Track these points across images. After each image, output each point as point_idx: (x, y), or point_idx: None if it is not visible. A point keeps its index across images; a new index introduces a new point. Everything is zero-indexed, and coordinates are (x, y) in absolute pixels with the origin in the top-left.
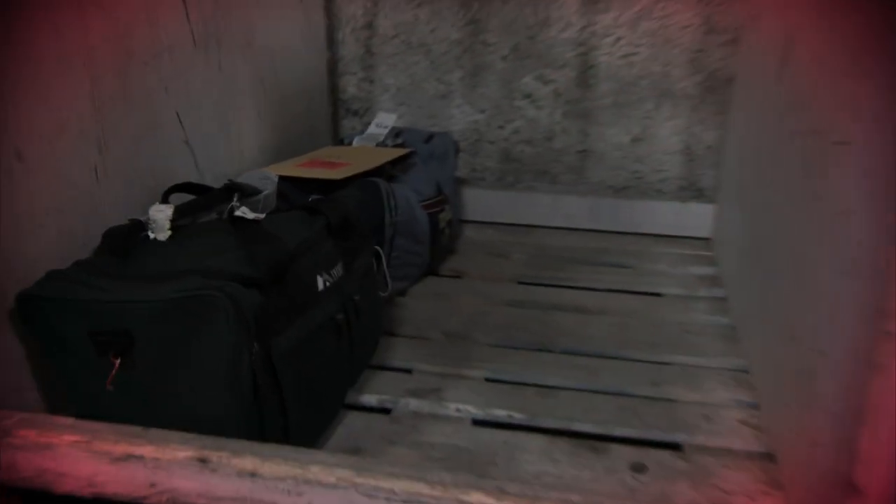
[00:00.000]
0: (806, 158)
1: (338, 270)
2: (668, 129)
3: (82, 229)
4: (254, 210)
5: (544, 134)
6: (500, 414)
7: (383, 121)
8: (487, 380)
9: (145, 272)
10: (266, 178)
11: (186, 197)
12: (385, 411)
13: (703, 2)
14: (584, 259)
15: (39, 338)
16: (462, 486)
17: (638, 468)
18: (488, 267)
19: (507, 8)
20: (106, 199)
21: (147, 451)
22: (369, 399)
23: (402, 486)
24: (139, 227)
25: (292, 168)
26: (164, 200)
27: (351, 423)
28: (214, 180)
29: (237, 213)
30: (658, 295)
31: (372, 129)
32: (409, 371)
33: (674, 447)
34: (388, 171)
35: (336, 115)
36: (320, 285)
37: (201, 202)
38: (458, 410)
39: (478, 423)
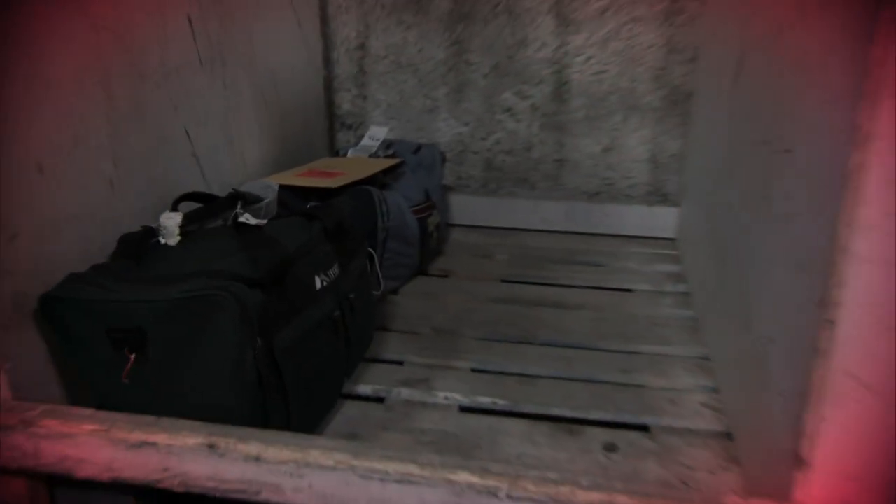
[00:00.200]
0: (758, 165)
1: (334, 271)
2: (635, 140)
3: (99, 235)
4: (256, 216)
5: (523, 145)
6: (485, 401)
7: (375, 134)
8: (473, 370)
9: (157, 274)
10: (267, 186)
11: (194, 205)
12: (379, 400)
13: (665, 24)
14: (561, 259)
15: (61, 336)
16: (450, 467)
17: (610, 448)
18: (474, 267)
19: (488, 30)
20: (120, 207)
21: (160, 438)
22: (364, 389)
23: (395, 467)
24: (151, 233)
25: (292, 177)
26: (174, 208)
27: (348, 412)
28: (220, 189)
29: (241, 219)
30: (629, 291)
31: (365, 141)
32: (400, 363)
33: (643, 429)
34: (381, 179)
35: (332, 128)
36: (318, 285)
37: (208, 209)
38: (446, 398)
39: (464, 409)
